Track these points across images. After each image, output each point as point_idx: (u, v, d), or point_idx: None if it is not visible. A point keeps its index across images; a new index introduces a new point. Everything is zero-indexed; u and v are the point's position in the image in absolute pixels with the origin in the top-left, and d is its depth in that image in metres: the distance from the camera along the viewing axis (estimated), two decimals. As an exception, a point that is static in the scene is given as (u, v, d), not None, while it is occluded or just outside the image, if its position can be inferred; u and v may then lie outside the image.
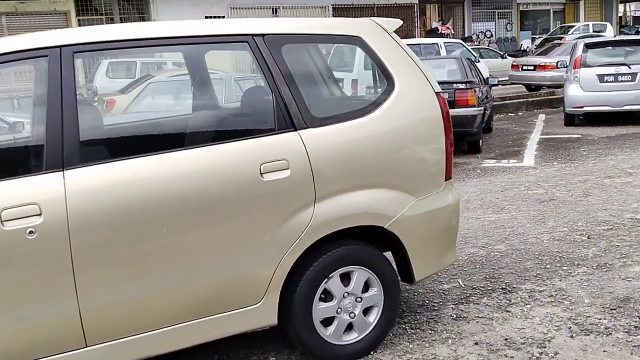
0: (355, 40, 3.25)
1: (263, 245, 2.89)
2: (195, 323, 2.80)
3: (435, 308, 3.82)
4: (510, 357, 3.18)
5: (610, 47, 11.60)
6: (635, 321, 3.48)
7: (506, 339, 3.36)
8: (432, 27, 25.58)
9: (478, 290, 4.05)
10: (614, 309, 3.65)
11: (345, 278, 3.16)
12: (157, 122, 3.85)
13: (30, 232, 2.47)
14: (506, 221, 5.57)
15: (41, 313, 2.53)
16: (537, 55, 18.27)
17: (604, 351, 3.19)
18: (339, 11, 22.57)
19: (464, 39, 22.84)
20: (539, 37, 26.46)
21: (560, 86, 12.82)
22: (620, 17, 33.22)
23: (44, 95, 2.61)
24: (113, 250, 2.62)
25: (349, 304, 3.16)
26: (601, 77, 10.84)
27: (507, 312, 3.69)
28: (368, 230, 3.19)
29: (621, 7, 33.27)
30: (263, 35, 3.01)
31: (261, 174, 2.86)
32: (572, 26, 25.77)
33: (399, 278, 3.40)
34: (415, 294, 4.05)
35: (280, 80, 2.98)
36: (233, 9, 21.14)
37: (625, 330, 3.39)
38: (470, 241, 5.06)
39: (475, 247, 4.90)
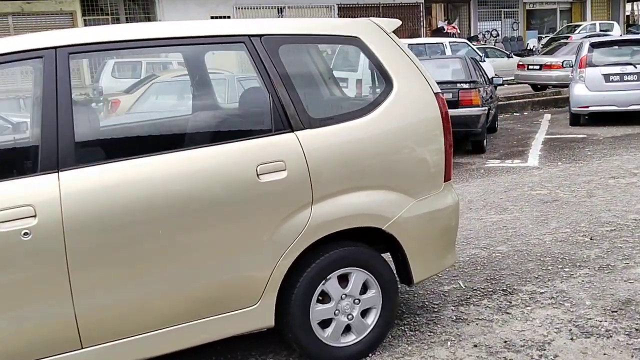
0: (353, 41, 3.23)
1: (260, 247, 2.88)
2: (191, 325, 2.79)
3: (435, 310, 3.80)
4: (510, 359, 3.15)
5: (616, 47, 11.53)
6: (637, 324, 3.45)
7: (506, 342, 3.34)
8: (438, 26, 25.52)
9: (478, 292, 4.02)
10: (615, 311, 3.62)
11: (343, 280, 3.14)
12: (154, 123, 3.85)
13: (25, 233, 2.46)
14: (509, 222, 5.54)
15: (36, 314, 2.53)
16: (543, 54, 18.19)
17: (604, 354, 3.16)
18: (344, 11, 22.54)
19: (470, 39, 22.79)
20: (546, 37, 26.35)
21: (566, 86, 12.76)
22: (628, 16, 33.04)
23: (40, 96, 2.61)
24: (108, 251, 2.61)
25: (346, 305, 3.14)
26: (607, 77, 10.78)
27: (507, 314, 3.67)
28: (366, 231, 3.17)
29: (628, 6, 33.10)
30: (260, 36, 3.00)
31: (258, 175, 2.84)
32: (579, 25, 25.64)
33: (398, 280, 3.38)
34: (415, 295, 4.03)
35: (278, 81, 2.97)
36: (238, 8, 21.15)
37: (626, 332, 3.36)
38: (472, 242, 5.04)
39: (476, 248, 4.88)
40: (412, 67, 3.30)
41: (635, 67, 10.68)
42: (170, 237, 2.71)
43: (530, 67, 16.76)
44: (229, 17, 20.42)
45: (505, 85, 17.52)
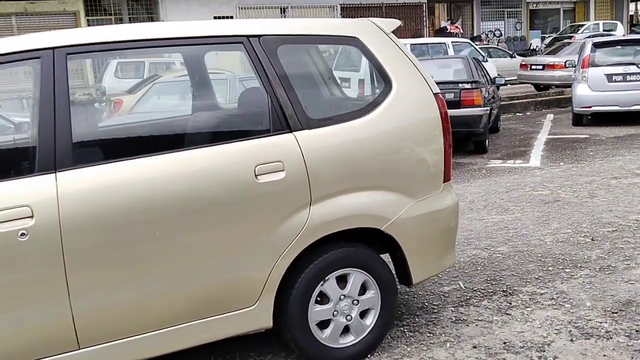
0: (352, 41, 3.23)
1: (258, 247, 2.88)
2: (187, 326, 2.79)
3: (435, 310, 3.79)
4: (509, 361, 3.15)
5: (619, 47, 11.50)
6: (637, 325, 3.44)
7: (505, 343, 3.33)
8: (441, 26, 25.50)
9: (478, 293, 4.01)
10: (616, 313, 3.61)
11: (342, 280, 3.13)
12: (153, 123, 3.85)
13: (22, 234, 2.46)
14: (510, 222, 5.52)
15: (33, 315, 2.53)
16: (546, 54, 18.15)
17: (604, 355, 3.14)
18: (347, 11, 22.52)
19: (473, 38, 22.77)
20: (549, 36, 26.29)
21: (569, 86, 12.72)
22: (632, 16, 32.95)
23: (38, 96, 2.60)
24: (106, 252, 2.61)
25: (345, 306, 3.14)
26: (609, 77, 10.74)
27: (507, 315, 3.66)
28: (365, 232, 3.16)
29: (632, 5, 33.00)
30: (258, 36, 2.99)
31: (256, 175, 2.84)
32: (582, 25, 25.59)
33: (397, 280, 3.37)
34: (415, 296, 4.02)
35: (276, 81, 2.96)
36: (241, 8, 21.16)
37: (626, 334, 3.35)
38: (473, 243, 5.02)
39: (477, 249, 4.86)
40: (411, 68, 3.30)
41: (638, 67, 10.65)
42: (168, 238, 2.70)
43: (533, 67, 16.73)
44: (231, 17, 20.43)
45: (508, 85, 17.51)
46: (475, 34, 25.75)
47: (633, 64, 10.75)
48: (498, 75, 12.46)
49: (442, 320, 3.64)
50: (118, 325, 2.68)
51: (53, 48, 2.63)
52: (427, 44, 15.00)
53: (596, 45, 11.26)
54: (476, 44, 18.69)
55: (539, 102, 14.64)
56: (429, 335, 3.47)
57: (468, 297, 3.95)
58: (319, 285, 3.05)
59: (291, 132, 2.95)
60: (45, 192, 2.51)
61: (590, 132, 10.49)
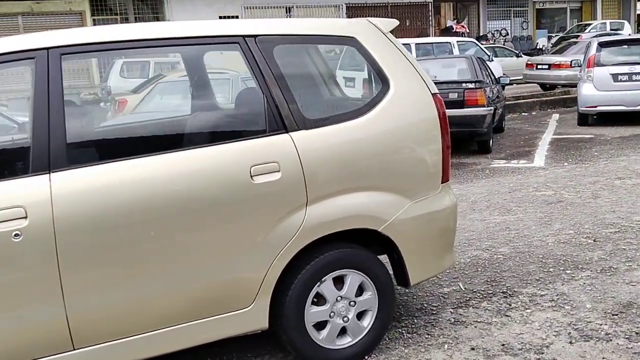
0: (349, 41, 3.21)
1: (253, 248, 2.86)
2: (184, 326, 2.78)
3: (434, 312, 3.77)
4: (507, 363, 3.13)
5: (624, 46, 11.43)
6: (637, 327, 3.41)
7: (503, 345, 3.30)
8: (447, 25, 25.43)
9: (478, 294, 3.99)
10: (616, 315, 3.58)
11: (339, 281, 3.12)
12: (149, 124, 3.84)
13: (16, 234, 2.46)
14: (512, 223, 5.49)
15: (27, 316, 2.52)
16: (552, 54, 18.08)
17: (603, 358, 3.12)
18: (353, 10, 22.49)
19: (479, 38, 22.69)
20: (556, 36, 26.19)
21: (575, 85, 12.66)
22: (639, 15, 32.74)
23: (32, 97, 2.60)
24: (100, 253, 2.60)
25: (342, 307, 3.12)
26: (615, 76, 10.68)
27: (506, 317, 3.63)
28: (363, 233, 3.15)
29: (640, 5, 32.82)
30: (254, 36, 2.98)
31: (251, 176, 2.82)
32: (589, 24, 25.46)
33: (395, 282, 3.35)
34: (415, 297, 4.00)
35: (272, 81, 2.95)
36: (247, 8, 21.17)
37: (626, 336, 3.32)
38: (474, 243, 5.00)
39: (478, 250, 4.84)
40: (409, 68, 3.28)
41: (644, 67, 10.59)
42: (162, 239, 2.69)
43: (539, 66, 16.66)
44: (237, 16, 20.45)
45: (514, 84, 17.46)
46: (481, 33, 25.67)
47: (639, 63, 10.68)
48: (503, 74, 12.42)
49: (440, 322, 3.62)
50: (113, 326, 2.67)
51: (47, 48, 2.63)
52: (432, 43, 14.96)
53: (602, 45, 11.20)
54: (482, 44, 18.63)
55: (545, 101, 14.58)
56: (427, 336, 3.45)
57: (468, 299, 3.93)
58: (316, 286, 3.04)
59: (287, 132, 2.93)
60: (39, 193, 2.51)
61: (595, 132, 10.44)
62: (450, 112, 8.94)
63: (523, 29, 27.63)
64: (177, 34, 2.92)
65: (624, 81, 10.64)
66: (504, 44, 23.75)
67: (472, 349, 3.28)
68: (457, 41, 15.59)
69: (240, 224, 2.83)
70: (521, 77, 17.22)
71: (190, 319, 2.79)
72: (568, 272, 4.27)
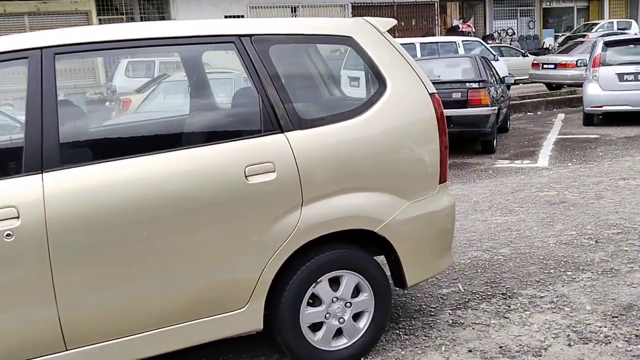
0: (346, 41, 3.19)
1: (248, 249, 2.85)
2: (176, 327, 2.76)
3: (432, 313, 3.74)
4: (504, 365, 3.10)
5: (630, 46, 11.36)
6: (637, 330, 3.37)
7: (501, 347, 3.28)
8: (453, 25, 25.35)
9: (477, 296, 3.96)
10: (616, 317, 3.54)
11: (335, 282, 3.10)
12: (144, 124, 3.84)
13: (8, 235, 2.45)
14: (513, 224, 5.45)
15: (19, 316, 2.52)
16: (558, 53, 17.99)
17: (602, 361, 3.09)
18: (358, 9, 22.46)
19: (485, 37, 22.61)
20: (562, 35, 26.06)
21: (581, 85, 12.59)
22: (647, 15, 32.55)
23: (25, 96, 2.59)
24: (92, 253, 2.59)
25: (338, 309, 3.10)
26: (621, 76, 10.61)
27: (505, 319, 3.60)
28: (359, 233, 3.12)
29: (648, 4, 32.60)
30: (250, 35, 2.97)
31: (246, 176, 2.81)
32: (596, 24, 25.32)
33: (391, 283, 3.33)
34: (413, 298, 3.98)
35: (267, 81, 2.93)
36: (252, 8, 21.17)
37: (626, 339, 3.28)
38: (475, 244, 4.96)
39: (479, 251, 4.80)
40: (407, 67, 3.25)
41: (650, 67, 10.52)
42: (155, 239, 2.68)
43: (545, 66, 16.58)
44: (242, 16, 20.45)
45: (520, 84, 17.39)
46: (487, 33, 25.58)
47: (644, 63, 10.62)
48: (508, 74, 12.36)
49: (438, 323, 3.59)
50: (106, 326, 2.66)
51: (41, 48, 2.62)
52: (437, 42, 14.90)
53: (607, 44, 11.13)
54: (488, 43, 18.55)
55: (550, 101, 14.51)
56: (424, 338, 3.43)
57: (466, 300, 3.90)
58: (311, 287, 3.02)
59: (282, 132, 2.92)
60: (31, 193, 2.50)
61: (600, 132, 10.37)
62: (453, 111, 8.91)
63: (529, 28, 27.53)
64: (173, 33, 2.91)
65: (630, 81, 10.57)
66: (510, 44, 23.66)
67: (470, 351, 3.26)
68: (462, 40, 15.51)
69: (235, 224, 2.81)
70: (527, 77, 17.14)
71: (183, 319, 2.78)
72: (569, 273, 4.24)
